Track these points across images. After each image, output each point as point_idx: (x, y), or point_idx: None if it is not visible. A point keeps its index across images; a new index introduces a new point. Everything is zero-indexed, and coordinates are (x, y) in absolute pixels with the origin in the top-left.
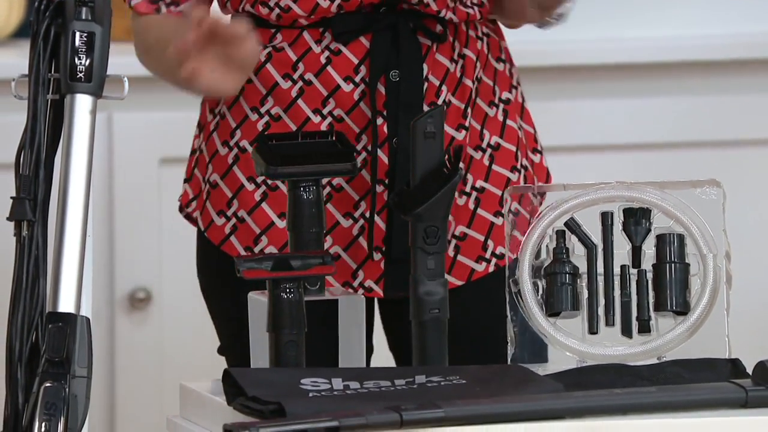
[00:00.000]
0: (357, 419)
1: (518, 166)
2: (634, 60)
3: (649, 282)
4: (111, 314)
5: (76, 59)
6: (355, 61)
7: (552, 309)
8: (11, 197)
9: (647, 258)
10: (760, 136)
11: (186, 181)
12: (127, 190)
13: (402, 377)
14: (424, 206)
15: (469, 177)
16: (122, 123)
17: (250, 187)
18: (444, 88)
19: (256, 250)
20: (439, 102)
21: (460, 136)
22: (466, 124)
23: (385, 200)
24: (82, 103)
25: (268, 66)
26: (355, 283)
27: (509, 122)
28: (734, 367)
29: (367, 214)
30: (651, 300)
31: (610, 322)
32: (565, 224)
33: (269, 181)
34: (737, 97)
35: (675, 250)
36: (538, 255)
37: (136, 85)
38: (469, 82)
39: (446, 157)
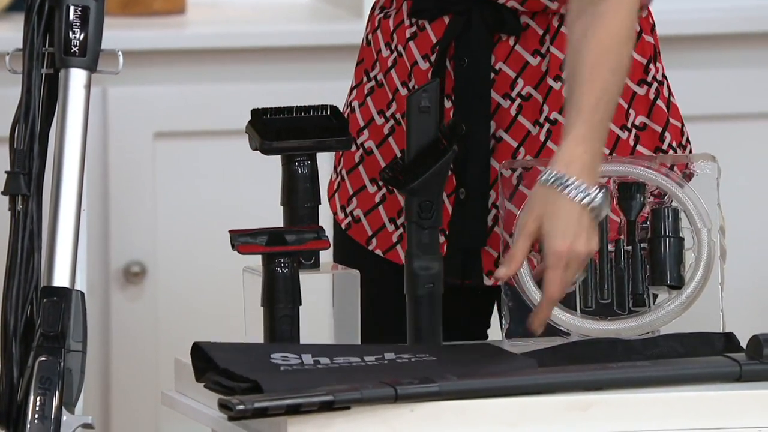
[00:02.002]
0: (352, 394)
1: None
2: None
3: (644, 256)
4: (106, 288)
5: (71, 33)
6: (434, 40)
7: None
8: (6, 171)
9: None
10: (756, 110)
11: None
12: (122, 165)
13: (371, 354)
14: (418, 181)
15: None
16: (117, 97)
17: (355, 154)
18: (520, 80)
19: (348, 210)
20: (513, 94)
21: (534, 131)
22: (541, 120)
23: (454, 183)
24: (77, 77)
25: (378, 32)
26: None
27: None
28: (728, 341)
29: None
30: (646, 274)
31: (604, 297)
32: None
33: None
34: (732, 71)
35: (669, 224)
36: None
37: (130, 59)
38: (551, 81)
39: (441, 132)
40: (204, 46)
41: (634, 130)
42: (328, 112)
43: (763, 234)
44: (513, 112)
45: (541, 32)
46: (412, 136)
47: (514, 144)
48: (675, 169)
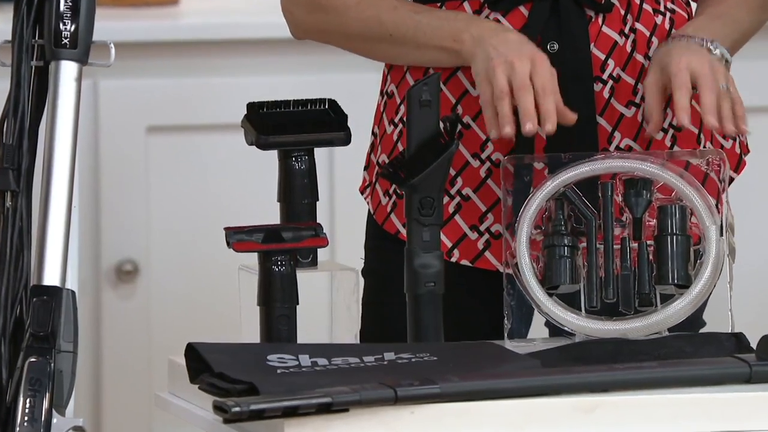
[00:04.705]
0: (350, 395)
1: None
2: None
3: (650, 255)
4: (97, 287)
5: (61, 25)
6: None
7: (550, 282)
8: None
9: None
10: (759, 103)
11: (365, 168)
12: (114, 160)
13: (370, 354)
14: (419, 177)
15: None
16: (108, 90)
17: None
18: (611, 62)
19: (392, 189)
20: (605, 77)
21: (629, 113)
22: (636, 100)
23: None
24: (68, 70)
25: None
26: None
27: (693, 103)
28: (738, 341)
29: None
30: (652, 273)
31: (610, 296)
32: (565, 195)
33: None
34: (738, 65)
35: (677, 221)
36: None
37: (122, 51)
38: (640, 58)
39: (443, 126)
40: (197, 37)
41: (671, 131)
42: (326, 106)
43: None
44: (606, 94)
45: (623, 11)
46: (412, 131)
47: (609, 128)
48: (711, 174)
